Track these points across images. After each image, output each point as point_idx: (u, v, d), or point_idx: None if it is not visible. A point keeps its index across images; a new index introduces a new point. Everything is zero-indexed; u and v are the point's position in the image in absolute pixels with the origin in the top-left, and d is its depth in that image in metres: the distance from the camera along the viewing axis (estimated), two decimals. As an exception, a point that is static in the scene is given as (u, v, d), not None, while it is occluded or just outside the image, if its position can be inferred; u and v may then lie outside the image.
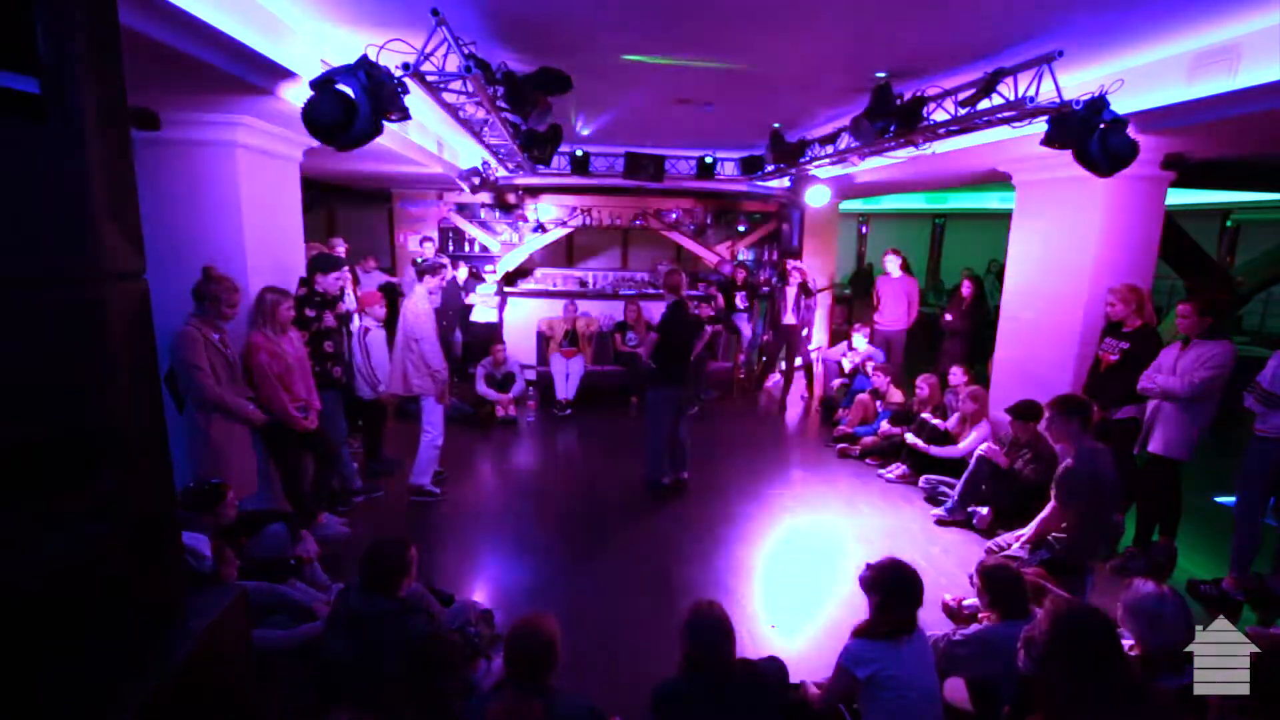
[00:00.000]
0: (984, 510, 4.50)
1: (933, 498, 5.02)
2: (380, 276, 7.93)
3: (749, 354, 8.69)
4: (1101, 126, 3.32)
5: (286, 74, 3.32)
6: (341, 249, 6.60)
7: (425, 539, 4.26)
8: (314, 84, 2.91)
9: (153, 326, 1.38)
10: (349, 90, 2.93)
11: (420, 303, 4.59)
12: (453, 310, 7.81)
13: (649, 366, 5.11)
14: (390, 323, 5.01)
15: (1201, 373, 3.71)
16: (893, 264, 7.57)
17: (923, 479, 5.20)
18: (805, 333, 7.64)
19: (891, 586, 2.32)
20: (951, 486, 4.86)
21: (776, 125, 6.06)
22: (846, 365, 7.18)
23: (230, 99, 3.46)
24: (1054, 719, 1.88)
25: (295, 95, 3.45)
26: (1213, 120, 3.59)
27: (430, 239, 9.13)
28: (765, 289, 8.33)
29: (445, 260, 4.85)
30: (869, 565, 2.44)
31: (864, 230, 15.55)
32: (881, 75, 4.13)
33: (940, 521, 4.69)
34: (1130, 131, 3.35)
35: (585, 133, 6.78)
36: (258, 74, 3.21)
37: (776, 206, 9.69)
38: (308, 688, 2.59)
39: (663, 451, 5.16)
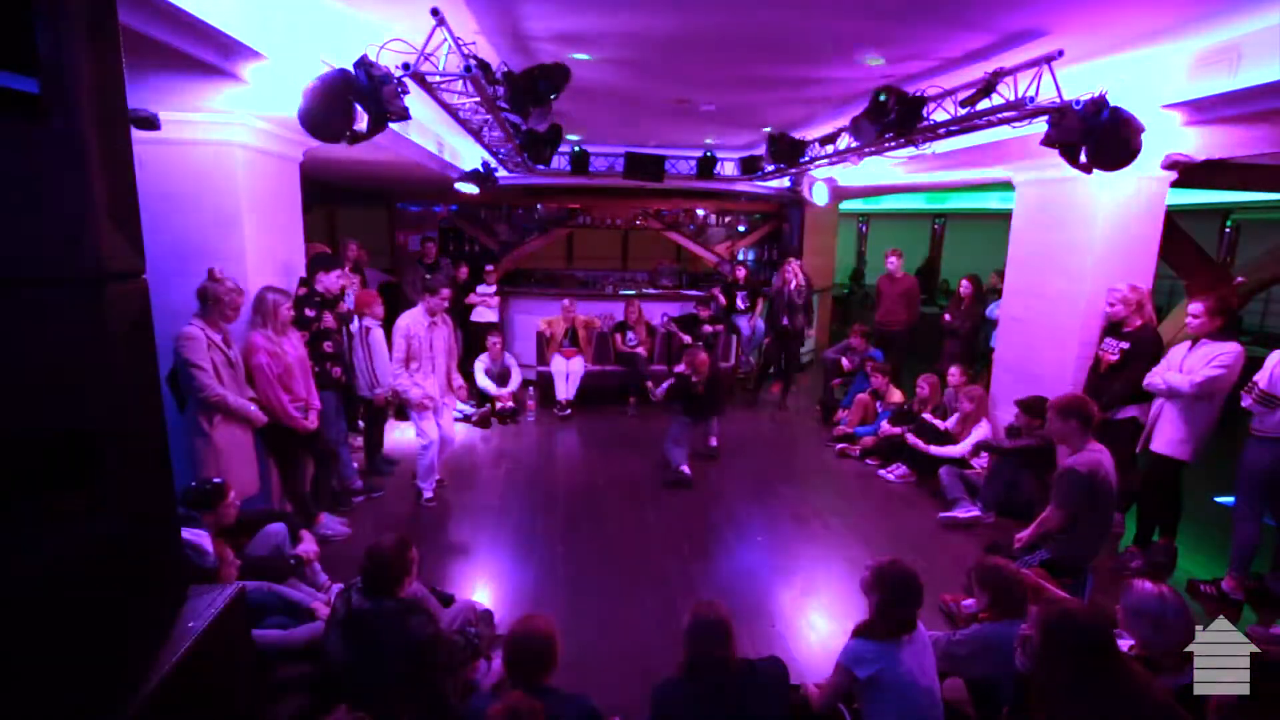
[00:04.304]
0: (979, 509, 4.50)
1: (942, 498, 4.92)
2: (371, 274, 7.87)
3: (749, 353, 8.68)
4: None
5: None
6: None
7: (426, 539, 4.26)
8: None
9: (153, 326, 1.38)
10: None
11: (403, 319, 4.61)
12: (453, 310, 7.79)
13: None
14: (390, 322, 5.00)
15: (1209, 371, 3.70)
16: (893, 263, 7.56)
17: (943, 470, 4.97)
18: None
19: (892, 586, 2.32)
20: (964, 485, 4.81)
21: (768, 129, 6.07)
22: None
23: (229, 98, 3.45)
24: (1052, 719, 1.88)
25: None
26: (1213, 120, 3.59)
27: (431, 239, 9.13)
28: (766, 289, 8.33)
29: (447, 291, 4.79)
30: (869, 565, 2.44)
31: (864, 230, 15.56)
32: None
33: (950, 523, 4.65)
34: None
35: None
36: (256, 73, 3.21)
37: (777, 206, 9.68)
38: (308, 688, 2.59)
39: (676, 448, 5.44)
